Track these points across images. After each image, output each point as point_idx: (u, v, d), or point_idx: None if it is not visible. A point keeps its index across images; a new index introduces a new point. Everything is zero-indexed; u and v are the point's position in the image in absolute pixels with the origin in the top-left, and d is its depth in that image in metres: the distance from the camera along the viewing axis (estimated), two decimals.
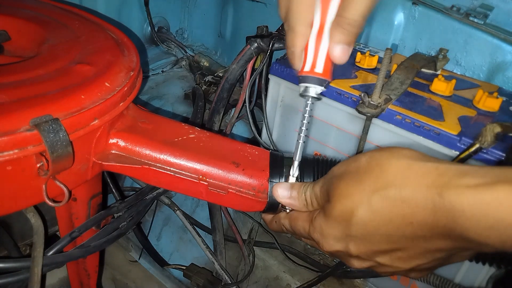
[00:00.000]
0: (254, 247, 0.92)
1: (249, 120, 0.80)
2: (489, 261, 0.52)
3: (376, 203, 0.36)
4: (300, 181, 0.51)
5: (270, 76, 0.76)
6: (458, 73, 0.80)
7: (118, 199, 0.67)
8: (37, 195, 0.44)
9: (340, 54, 0.44)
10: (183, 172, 0.52)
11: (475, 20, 0.76)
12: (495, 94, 0.64)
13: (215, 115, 0.86)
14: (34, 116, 0.40)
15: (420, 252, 0.37)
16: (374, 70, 0.74)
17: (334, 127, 0.70)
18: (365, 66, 0.74)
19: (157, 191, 0.68)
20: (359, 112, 0.62)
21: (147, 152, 0.51)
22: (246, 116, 0.83)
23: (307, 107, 0.49)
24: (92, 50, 0.56)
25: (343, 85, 0.66)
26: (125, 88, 0.50)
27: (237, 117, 0.88)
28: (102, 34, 0.62)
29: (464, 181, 0.31)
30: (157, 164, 0.51)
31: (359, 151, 0.66)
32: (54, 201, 0.45)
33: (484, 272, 0.60)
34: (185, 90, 1.17)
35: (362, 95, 0.61)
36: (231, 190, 0.52)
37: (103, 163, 0.50)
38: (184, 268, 0.89)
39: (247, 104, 0.80)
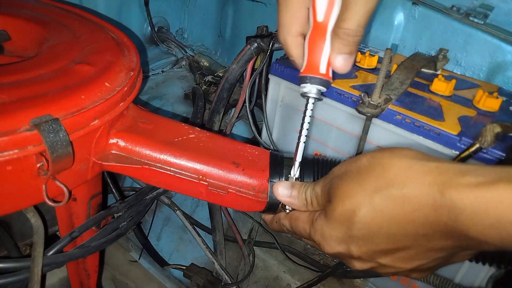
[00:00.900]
0: (254, 247, 0.92)
1: (249, 120, 0.80)
2: (489, 261, 0.52)
3: (378, 202, 0.36)
4: (300, 181, 0.51)
5: (270, 76, 0.76)
6: (458, 73, 0.80)
7: (118, 199, 0.67)
8: (37, 195, 0.44)
9: (342, 64, 0.44)
10: (183, 172, 0.52)
11: (475, 20, 0.76)
12: (495, 94, 0.64)
13: (215, 115, 0.86)
14: (34, 116, 0.40)
15: (422, 252, 0.37)
16: (374, 70, 0.74)
17: (334, 127, 0.70)
18: (365, 66, 0.74)
19: (157, 191, 0.68)
20: (359, 112, 0.62)
21: (147, 152, 0.51)
22: (246, 116, 0.83)
23: (308, 107, 0.49)
24: (92, 50, 0.56)
25: (343, 85, 0.66)
26: (125, 88, 0.50)
27: (237, 117, 0.88)
28: (102, 34, 0.62)
29: (465, 180, 0.32)
30: (157, 164, 0.51)
31: (359, 151, 0.66)
32: (54, 201, 0.45)
33: (484, 272, 0.60)
34: (185, 90, 1.17)
35: (362, 95, 0.61)
36: (231, 190, 0.52)
37: (103, 163, 0.50)
38: (184, 268, 0.89)
39: (247, 104, 0.80)
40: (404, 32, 0.85)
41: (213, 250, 0.89)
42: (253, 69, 0.81)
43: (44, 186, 0.43)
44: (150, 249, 0.95)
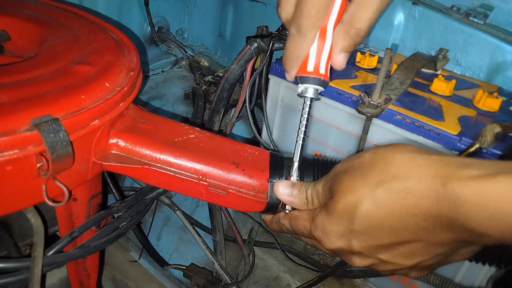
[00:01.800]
0: (254, 247, 0.92)
1: (249, 120, 0.80)
2: (488, 261, 0.52)
3: (380, 196, 0.36)
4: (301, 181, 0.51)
5: (270, 76, 0.76)
6: (458, 73, 0.80)
7: (118, 199, 0.67)
8: (37, 195, 0.44)
9: (343, 61, 0.45)
10: (183, 172, 0.52)
11: (475, 20, 0.76)
12: (495, 94, 0.64)
13: (215, 115, 0.86)
14: (34, 116, 0.40)
15: (422, 247, 0.37)
16: (374, 70, 0.74)
17: (334, 127, 0.70)
18: (365, 66, 0.74)
19: (157, 191, 0.68)
20: (359, 112, 0.62)
21: (147, 152, 0.51)
22: (246, 116, 0.83)
23: (306, 107, 0.49)
24: (92, 50, 0.56)
25: (343, 85, 0.66)
26: (125, 88, 0.50)
27: (237, 117, 0.88)
28: (102, 34, 0.62)
29: (466, 172, 0.32)
30: (157, 164, 0.51)
31: (359, 151, 0.66)
32: (54, 201, 0.45)
33: (484, 272, 0.60)
34: (185, 90, 1.17)
35: (362, 95, 0.61)
36: (231, 190, 0.52)
37: (103, 163, 0.50)
38: (184, 268, 0.89)
39: (247, 104, 0.80)
40: (404, 32, 0.85)
41: (213, 250, 0.89)
42: (253, 69, 0.81)
43: (44, 186, 0.43)
44: (150, 249, 0.95)
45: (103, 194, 0.61)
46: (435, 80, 0.67)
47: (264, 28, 0.88)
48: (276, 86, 0.76)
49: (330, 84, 0.66)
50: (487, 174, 0.31)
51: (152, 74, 1.19)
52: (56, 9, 0.69)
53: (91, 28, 0.64)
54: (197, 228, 0.90)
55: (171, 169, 0.52)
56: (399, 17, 0.84)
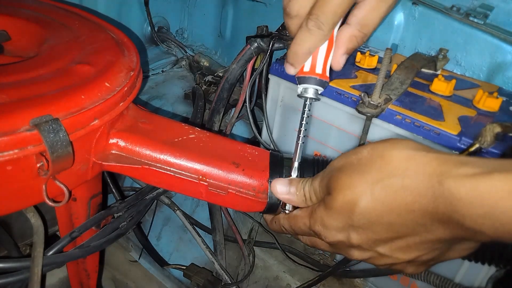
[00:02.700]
0: (254, 247, 0.92)
1: (249, 120, 0.80)
2: (488, 261, 0.52)
3: (379, 193, 0.37)
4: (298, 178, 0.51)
5: (270, 76, 0.76)
6: (458, 73, 0.80)
7: (118, 199, 0.67)
8: (37, 195, 0.44)
9: (343, 62, 0.46)
10: (183, 172, 0.52)
11: (475, 20, 0.76)
12: (495, 94, 0.64)
13: (215, 115, 0.86)
14: (34, 116, 0.40)
15: (420, 242, 0.38)
16: (374, 70, 0.74)
17: (334, 127, 0.70)
18: (365, 66, 0.74)
19: (157, 191, 0.68)
20: (359, 112, 0.62)
21: (147, 152, 0.51)
22: (246, 116, 0.83)
23: (305, 107, 0.49)
24: (92, 50, 0.56)
25: (343, 85, 0.66)
26: (125, 88, 0.50)
27: (237, 117, 0.88)
28: (102, 34, 0.62)
29: (462, 170, 0.33)
30: (157, 164, 0.51)
31: None
32: (54, 201, 0.45)
33: (484, 272, 0.60)
34: (185, 90, 1.17)
35: (362, 95, 0.61)
36: (231, 191, 0.52)
37: (103, 163, 0.50)
38: (184, 268, 0.89)
39: (247, 104, 0.80)
40: (404, 32, 0.85)
41: (213, 250, 0.89)
42: (253, 69, 0.81)
43: (44, 186, 0.43)
44: (150, 249, 0.95)
45: (103, 194, 0.61)
46: (435, 80, 0.67)
47: (264, 28, 0.88)
48: (276, 86, 0.76)
49: (330, 84, 0.66)
50: (482, 172, 0.31)
51: (152, 74, 1.19)
52: (56, 9, 0.69)
53: (91, 28, 0.64)
54: (197, 228, 0.90)
55: (171, 169, 0.52)
56: (399, 17, 0.84)
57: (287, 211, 0.50)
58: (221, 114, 0.86)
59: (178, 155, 0.52)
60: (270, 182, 0.52)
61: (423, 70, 0.73)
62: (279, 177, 0.52)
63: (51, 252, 0.51)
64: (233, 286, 0.85)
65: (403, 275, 0.72)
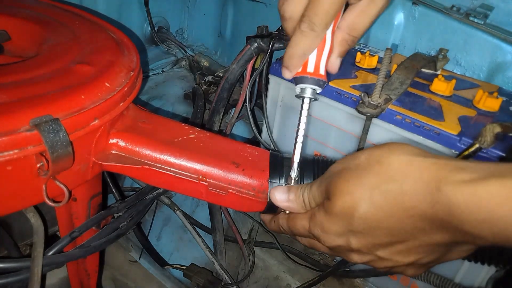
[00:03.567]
0: (254, 247, 0.92)
1: (249, 120, 0.80)
2: (487, 261, 0.52)
3: (378, 198, 0.37)
4: (300, 182, 0.51)
5: (270, 76, 0.76)
6: (458, 73, 0.80)
7: (118, 199, 0.67)
8: (37, 195, 0.44)
9: (339, 65, 0.47)
10: (183, 172, 0.52)
11: (475, 20, 0.76)
12: (495, 94, 0.64)
13: (215, 115, 0.86)
14: (34, 116, 0.40)
15: (419, 245, 0.38)
16: (374, 70, 0.74)
17: (334, 127, 0.70)
18: (365, 66, 0.74)
19: (157, 191, 0.68)
20: (359, 112, 0.62)
21: (147, 152, 0.51)
22: (246, 116, 0.83)
23: (304, 108, 0.49)
24: (92, 50, 0.56)
25: (343, 85, 0.66)
26: (125, 88, 0.50)
27: (237, 117, 0.88)
28: (102, 34, 0.62)
29: (460, 176, 0.33)
30: (157, 164, 0.51)
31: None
32: (54, 201, 0.45)
33: (484, 272, 0.60)
34: (185, 90, 1.17)
35: (362, 95, 0.61)
36: (231, 191, 0.52)
37: (103, 163, 0.50)
38: (184, 268, 0.89)
39: (247, 104, 0.80)
40: (404, 32, 0.85)
41: (213, 250, 0.89)
42: (253, 69, 0.81)
43: (44, 186, 0.43)
44: (150, 249, 0.95)
45: (103, 194, 0.61)
46: (435, 80, 0.67)
47: (264, 28, 0.88)
48: (276, 86, 0.76)
49: (330, 84, 0.66)
50: (479, 178, 0.32)
51: (152, 74, 1.19)
52: (56, 9, 0.69)
53: (91, 28, 0.64)
54: (197, 228, 0.90)
55: (171, 169, 0.52)
56: (399, 17, 0.84)
57: (287, 211, 0.50)
58: (221, 114, 0.86)
59: (178, 155, 0.52)
60: (270, 182, 0.52)
61: (423, 70, 0.73)
62: (279, 177, 0.52)
63: (51, 252, 0.51)
64: (233, 286, 0.85)
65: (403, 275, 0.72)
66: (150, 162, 0.51)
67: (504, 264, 0.52)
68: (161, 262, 0.94)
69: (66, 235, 0.54)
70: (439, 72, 0.75)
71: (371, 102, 0.60)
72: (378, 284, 0.81)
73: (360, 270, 0.78)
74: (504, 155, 0.53)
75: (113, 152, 0.51)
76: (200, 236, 0.87)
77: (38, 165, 0.42)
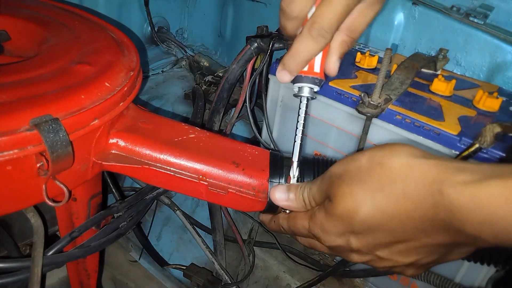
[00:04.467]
0: (254, 247, 0.92)
1: (249, 119, 0.80)
2: (487, 261, 0.52)
3: (379, 200, 0.37)
4: (301, 181, 0.51)
5: (270, 76, 0.76)
6: (458, 73, 0.80)
7: (118, 199, 0.67)
8: (37, 195, 0.44)
9: (338, 67, 0.47)
10: (183, 172, 0.52)
11: (475, 20, 0.76)
12: (495, 94, 0.64)
13: (215, 115, 0.86)
14: (34, 116, 0.40)
15: (420, 246, 0.38)
16: (374, 70, 0.74)
17: (334, 127, 0.70)
18: (365, 66, 0.74)
19: (157, 191, 0.68)
20: (359, 112, 0.62)
21: (147, 152, 0.51)
22: (246, 116, 0.83)
23: (302, 107, 0.49)
24: (92, 50, 0.56)
25: (343, 85, 0.66)
26: (125, 88, 0.50)
27: (237, 117, 0.88)
28: (102, 34, 0.62)
29: (461, 178, 0.33)
30: (157, 164, 0.51)
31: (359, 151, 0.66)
32: (54, 201, 0.45)
33: (484, 272, 0.60)
34: (185, 90, 1.17)
35: (362, 95, 0.61)
36: (231, 190, 0.52)
37: (103, 163, 0.50)
38: (184, 268, 0.89)
39: (247, 104, 0.80)
40: (404, 32, 0.85)
41: (213, 250, 0.89)
42: (253, 69, 0.81)
43: (44, 186, 0.43)
44: (150, 249, 0.95)
45: (103, 194, 0.61)
46: (435, 80, 0.67)
47: (264, 28, 0.88)
48: (276, 86, 0.76)
49: (330, 84, 0.66)
50: (480, 179, 0.32)
51: (152, 74, 1.19)
52: (56, 9, 0.69)
53: (91, 28, 0.64)
54: (197, 228, 0.90)
55: (171, 169, 0.52)
56: (399, 17, 0.84)
57: (288, 211, 0.50)
58: (221, 114, 0.86)
59: (178, 154, 0.52)
60: (270, 181, 0.52)
61: (423, 70, 0.73)
62: (279, 176, 0.52)
63: (51, 252, 0.51)
64: (233, 286, 0.85)
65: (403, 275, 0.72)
66: (150, 162, 0.51)
67: (504, 264, 0.52)
68: (161, 262, 0.94)
69: (66, 235, 0.54)
70: (439, 72, 0.75)
71: (371, 102, 0.60)
72: (378, 284, 0.81)
73: (360, 270, 0.78)
74: (504, 155, 0.53)
75: (113, 152, 0.51)
76: (200, 236, 0.87)
77: (38, 165, 0.42)
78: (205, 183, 0.52)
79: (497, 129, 0.51)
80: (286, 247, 0.89)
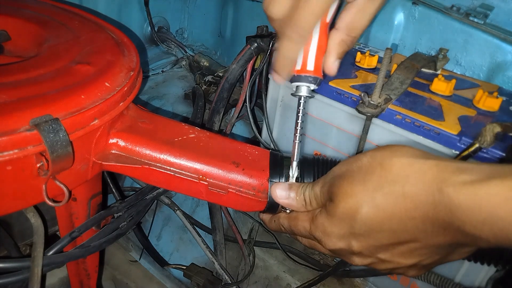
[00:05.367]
0: (254, 247, 0.92)
1: (249, 119, 0.80)
2: (487, 261, 0.52)
3: (380, 200, 0.37)
4: (301, 181, 0.51)
5: (270, 76, 0.76)
6: (458, 73, 0.80)
7: (118, 199, 0.67)
8: (37, 195, 0.44)
9: (337, 67, 0.46)
10: (183, 172, 0.52)
11: (475, 20, 0.76)
12: (495, 94, 0.64)
13: (215, 115, 0.86)
14: (34, 116, 0.40)
15: (421, 247, 0.38)
16: (374, 70, 0.73)
17: (334, 127, 0.70)
18: (365, 66, 0.74)
19: (157, 191, 0.68)
20: (359, 112, 0.62)
21: (147, 152, 0.51)
22: (246, 115, 0.83)
23: (300, 106, 0.49)
24: (92, 50, 0.56)
25: (343, 85, 0.66)
26: (125, 88, 0.50)
27: (237, 117, 0.88)
28: (102, 34, 0.62)
29: (461, 178, 0.33)
30: (157, 164, 0.51)
31: (359, 151, 0.66)
32: (54, 201, 0.45)
33: (484, 272, 0.60)
34: (185, 90, 1.17)
35: (362, 95, 0.61)
36: (231, 190, 0.52)
37: (103, 163, 0.50)
38: (184, 268, 0.89)
39: (247, 103, 0.80)
40: (404, 32, 0.85)
41: (213, 250, 0.89)
42: (253, 69, 0.81)
43: (44, 186, 0.43)
44: (150, 249, 0.95)
45: (103, 194, 0.61)
46: (435, 80, 0.67)
47: (264, 28, 0.88)
48: (276, 86, 0.76)
49: (330, 83, 0.66)
50: (480, 179, 0.32)
51: (152, 74, 1.19)
52: (56, 9, 0.69)
53: (91, 28, 0.64)
54: (197, 228, 0.90)
55: (171, 168, 0.52)
56: (399, 17, 0.84)
57: (288, 211, 0.50)
58: (221, 114, 0.86)
59: (178, 154, 0.52)
60: (270, 181, 0.52)
61: (423, 70, 0.73)
62: (279, 176, 0.52)
63: (51, 252, 0.51)
64: (233, 286, 0.85)
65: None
66: (150, 162, 0.51)
67: (504, 264, 0.52)
68: (161, 262, 0.94)
69: (66, 235, 0.54)
70: (439, 72, 0.75)
71: (371, 102, 0.60)
72: (378, 284, 0.81)
73: (360, 270, 0.78)
74: (504, 155, 0.53)
75: (113, 152, 0.51)
76: (200, 236, 0.87)
77: (38, 165, 0.42)
78: (205, 183, 0.52)
79: (497, 129, 0.51)
80: (286, 247, 0.89)
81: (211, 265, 0.90)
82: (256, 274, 0.91)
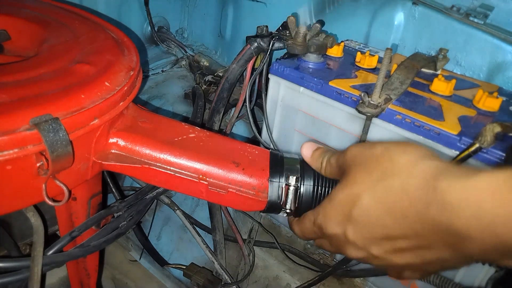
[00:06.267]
0: (254, 246, 0.92)
1: (249, 119, 0.80)
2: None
3: (380, 192, 0.38)
4: (301, 181, 0.51)
5: (270, 75, 0.76)
6: (458, 73, 0.80)
7: (118, 198, 0.67)
8: (37, 194, 0.44)
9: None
10: (183, 171, 0.52)
11: (475, 20, 0.76)
12: (495, 94, 0.64)
13: (215, 115, 0.86)
14: (34, 116, 0.39)
15: (411, 247, 0.38)
16: (374, 70, 0.74)
17: (334, 127, 0.70)
18: (365, 66, 0.74)
19: (157, 190, 0.68)
20: (359, 112, 0.62)
21: (147, 151, 0.51)
22: (246, 115, 0.83)
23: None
24: (92, 50, 0.56)
25: (343, 85, 0.66)
26: (125, 88, 0.50)
27: (237, 117, 0.88)
28: (102, 34, 0.62)
29: (454, 172, 0.33)
30: (157, 164, 0.51)
31: None
32: (54, 201, 0.45)
33: (484, 272, 0.60)
34: (185, 89, 1.17)
35: (362, 95, 0.61)
36: (231, 190, 0.52)
37: (103, 162, 0.50)
38: (184, 267, 0.89)
39: (247, 103, 0.80)
40: (404, 32, 0.85)
41: (213, 250, 0.89)
42: (253, 69, 0.81)
43: (44, 185, 0.43)
44: (150, 248, 0.95)
45: (103, 194, 0.61)
46: (435, 80, 0.67)
47: (264, 28, 0.87)
48: (276, 86, 0.76)
49: (330, 83, 0.66)
50: (472, 173, 0.32)
51: (152, 74, 1.20)
52: (56, 9, 0.69)
53: (91, 27, 0.64)
54: (197, 228, 0.90)
55: (171, 168, 0.52)
56: (399, 17, 0.84)
57: (288, 211, 0.50)
58: (221, 113, 0.86)
59: (178, 154, 0.52)
60: (270, 181, 0.52)
61: (423, 70, 0.73)
62: (279, 176, 0.52)
63: (51, 252, 0.51)
64: (233, 286, 0.85)
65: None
66: (150, 162, 0.51)
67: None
68: (161, 262, 0.94)
69: (66, 234, 0.54)
70: (439, 72, 0.75)
71: (371, 102, 0.60)
72: (378, 284, 0.81)
73: (360, 270, 0.78)
74: (504, 155, 0.53)
75: (113, 151, 0.51)
76: (200, 236, 0.87)
77: (38, 164, 0.42)
78: (205, 182, 0.52)
79: (497, 128, 0.51)
80: (286, 247, 0.89)
81: (211, 265, 0.90)
82: (256, 273, 0.91)
